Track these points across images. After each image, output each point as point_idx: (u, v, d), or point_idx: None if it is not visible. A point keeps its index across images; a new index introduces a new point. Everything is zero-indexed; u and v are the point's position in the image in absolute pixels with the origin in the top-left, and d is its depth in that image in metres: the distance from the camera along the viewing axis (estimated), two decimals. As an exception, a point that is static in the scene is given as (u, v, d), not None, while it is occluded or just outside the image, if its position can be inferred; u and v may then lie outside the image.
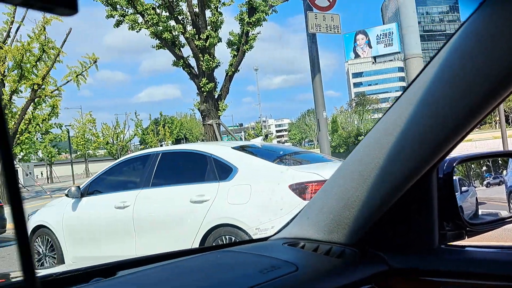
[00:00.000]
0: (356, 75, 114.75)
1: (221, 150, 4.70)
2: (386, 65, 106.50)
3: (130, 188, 5.17)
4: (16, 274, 1.92)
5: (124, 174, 5.66)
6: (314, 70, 10.27)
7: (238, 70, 15.92)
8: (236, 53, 15.65)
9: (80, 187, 5.46)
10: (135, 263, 1.02)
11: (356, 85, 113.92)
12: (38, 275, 1.03)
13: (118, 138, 54.08)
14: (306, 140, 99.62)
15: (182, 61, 15.51)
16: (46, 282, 0.95)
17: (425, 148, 0.76)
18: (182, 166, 5.06)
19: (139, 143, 69.35)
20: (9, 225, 9.79)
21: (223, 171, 4.46)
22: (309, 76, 10.57)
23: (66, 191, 5.52)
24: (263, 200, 4.10)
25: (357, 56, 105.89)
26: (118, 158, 50.24)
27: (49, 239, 5.64)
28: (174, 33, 15.06)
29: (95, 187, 5.47)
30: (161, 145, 56.93)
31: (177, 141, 65.23)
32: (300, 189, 3.97)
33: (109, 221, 5.05)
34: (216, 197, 4.31)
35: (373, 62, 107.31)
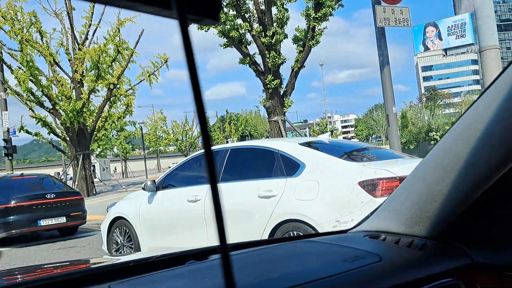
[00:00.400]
0: (425, 68, 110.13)
1: (288, 146, 4.74)
2: (458, 57, 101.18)
3: (201, 182, 5.36)
4: (96, 260, 2.08)
5: (195, 169, 5.87)
6: (383, 64, 10.03)
7: (304, 66, 15.87)
8: (302, 49, 15.60)
9: (155, 181, 5.73)
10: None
11: (426, 79, 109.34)
12: (141, 257, 1.13)
13: (187, 135, 55.77)
14: (373, 136, 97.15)
15: (248, 58, 15.72)
16: (148, 263, 1.05)
17: (510, 144, 0.75)
18: (250, 162, 5.16)
19: (206, 140, 71.05)
20: (89, 217, 10.44)
21: (291, 167, 4.50)
22: (376, 70, 10.33)
23: (142, 185, 5.82)
24: (331, 196, 4.08)
25: (426, 49, 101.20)
26: (187, 154, 51.86)
27: (127, 230, 5.97)
28: (241, 31, 15.28)
29: (169, 182, 5.71)
30: (227, 142, 58.01)
31: (242, 138, 66.14)
32: (370, 186, 3.91)
33: (182, 213, 5.27)
34: (283, 192, 4.36)
35: (444, 55, 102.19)
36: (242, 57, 15.96)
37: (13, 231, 8.74)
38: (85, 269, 1.15)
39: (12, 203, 8.77)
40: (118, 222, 6.12)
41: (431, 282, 0.84)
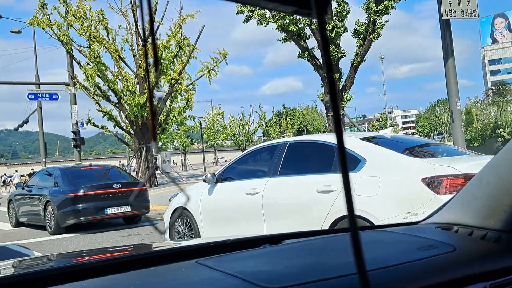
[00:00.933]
0: (493, 62, 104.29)
1: (348, 141, 4.70)
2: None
3: (260, 176, 5.44)
4: (159, 245, 2.19)
5: (253, 163, 5.97)
6: (447, 58, 9.65)
7: (364, 60, 15.57)
8: (362, 43, 15.30)
9: (215, 173, 5.88)
10: (298, 234, 1.14)
11: (493, 73, 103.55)
12: (214, 240, 1.21)
13: (244, 129, 56.40)
14: (435, 132, 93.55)
15: (307, 52, 15.64)
16: (224, 245, 1.12)
17: None
18: (308, 156, 5.17)
19: (262, 135, 71.54)
20: (152, 207, 10.86)
21: (351, 162, 4.45)
22: (439, 64, 10.02)
23: (203, 177, 6.00)
24: (393, 193, 4.01)
25: (494, 41, 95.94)
26: (243, 148, 52.43)
27: (188, 220, 6.18)
28: (300, 25, 15.23)
29: (228, 174, 5.85)
30: (283, 137, 58.02)
31: (299, 133, 65.87)
32: (434, 183, 3.81)
33: (241, 205, 5.38)
34: (342, 188, 4.33)
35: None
36: (300, 51, 15.90)
37: (81, 218, 9.28)
38: (174, 247, 1.24)
39: (81, 192, 9.30)
40: (180, 212, 6.34)
41: (506, 275, 0.84)
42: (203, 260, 1.00)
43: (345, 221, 4.29)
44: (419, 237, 1.00)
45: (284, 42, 16.15)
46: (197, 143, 66.25)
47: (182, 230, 6.29)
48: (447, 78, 9.58)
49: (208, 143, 56.99)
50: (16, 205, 11.35)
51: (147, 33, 20.58)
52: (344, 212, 4.26)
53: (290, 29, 15.03)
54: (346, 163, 0.38)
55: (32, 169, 42.23)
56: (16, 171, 52.36)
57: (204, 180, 5.95)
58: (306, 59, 15.81)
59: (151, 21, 0.42)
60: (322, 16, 0.34)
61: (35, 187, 10.67)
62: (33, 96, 21.58)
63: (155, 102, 0.43)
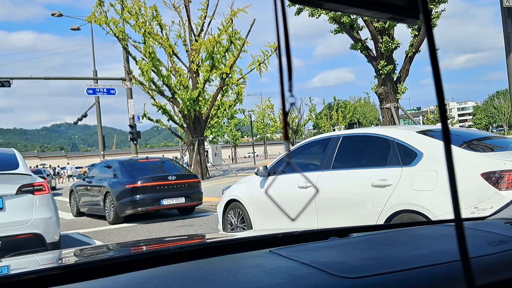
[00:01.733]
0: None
1: (405, 134, 4.59)
2: None
3: (312, 169, 5.43)
4: (212, 236, 2.26)
5: (306, 156, 5.97)
6: (509, 47, 9.17)
7: (419, 51, 15.09)
8: (417, 33, 14.84)
9: (267, 167, 5.93)
10: (364, 228, 1.16)
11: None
12: (283, 232, 1.25)
13: (293, 122, 56.14)
14: (494, 125, 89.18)
15: (360, 44, 15.35)
16: (294, 235, 1.16)
17: None
18: (363, 150, 5.11)
19: (312, 128, 71.01)
20: (204, 198, 11.12)
21: (407, 156, 4.37)
22: (498, 53, 9.49)
23: (255, 170, 6.07)
24: (451, 187, 3.90)
25: None
26: (293, 141, 52.30)
27: (240, 212, 6.29)
28: (352, 17, 14.97)
29: (280, 167, 5.88)
30: (334, 130, 57.36)
31: (350, 126, 64.85)
32: (495, 178, 3.67)
33: (293, 199, 5.39)
34: (399, 182, 4.26)
35: None
36: (353, 42, 15.63)
37: (139, 209, 9.65)
38: (247, 237, 1.29)
39: (139, 183, 9.67)
40: (232, 204, 6.46)
41: None
42: (276, 249, 1.03)
43: (401, 216, 4.22)
44: (489, 232, 0.99)
45: (336, 33, 15.94)
46: (247, 136, 66.78)
47: (234, 222, 6.40)
48: (508, 68, 9.12)
49: (258, 136, 57.31)
50: (77, 196, 11.96)
51: (199, 28, 20.90)
52: (401, 207, 4.19)
53: (342, 20, 14.81)
54: (451, 160, 0.41)
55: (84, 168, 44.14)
56: (68, 163, 55.06)
57: (256, 173, 6.02)
58: (359, 50, 15.53)
59: (286, 35, 0.45)
60: (429, 22, 0.36)
61: (95, 178, 11.19)
62: (91, 91, 22.58)
63: (287, 105, 0.47)
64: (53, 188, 27.15)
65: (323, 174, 5.06)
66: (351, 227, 1.20)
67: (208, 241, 1.55)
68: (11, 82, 20.90)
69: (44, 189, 5.85)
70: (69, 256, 1.81)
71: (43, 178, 11.78)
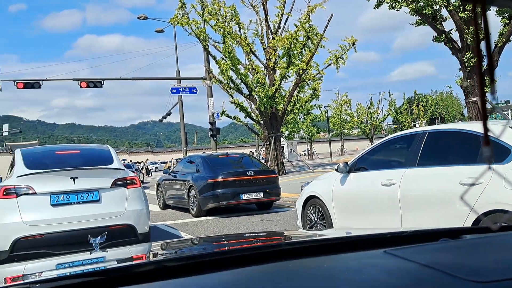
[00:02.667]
0: None
1: (496, 129, 4.35)
2: None
3: (395, 166, 5.31)
4: (291, 233, 2.28)
5: (389, 152, 5.83)
6: None
7: (510, 41, 14.07)
8: (507, 22, 13.84)
9: (348, 163, 5.89)
10: (475, 230, 1.15)
11: None
12: (391, 231, 1.26)
13: (372, 117, 54.76)
14: None
15: (444, 35, 14.63)
16: (401, 236, 1.17)
17: None
18: (451, 146, 4.90)
19: (391, 123, 68.67)
20: (282, 194, 11.23)
21: (499, 152, 4.14)
22: None
23: (336, 167, 6.05)
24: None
25: None
26: (371, 137, 50.85)
27: (320, 208, 6.29)
28: (435, 7, 14.30)
29: (361, 164, 5.81)
30: (415, 125, 55.06)
31: (432, 121, 61.87)
32: None
33: (375, 196, 5.32)
34: (490, 180, 4.05)
35: None
36: (436, 34, 14.93)
37: (220, 203, 9.99)
38: (359, 235, 1.31)
39: (220, 178, 10.00)
40: (312, 201, 6.47)
41: None
42: (392, 250, 1.04)
43: (492, 217, 4.01)
44: None
45: (418, 25, 15.32)
46: (323, 132, 66.09)
47: (314, 219, 6.42)
48: None
49: (334, 132, 56.51)
50: (164, 189, 12.62)
51: (276, 26, 21.06)
52: (492, 206, 3.99)
53: (424, 11, 14.19)
54: None
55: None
56: (147, 159, 57.85)
57: (336, 170, 5.99)
58: (443, 42, 14.81)
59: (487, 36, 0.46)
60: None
61: (179, 173, 11.74)
62: (175, 90, 23.62)
63: (488, 107, 0.50)
64: (142, 182, 28.74)
65: (408, 171, 4.93)
66: (459, 228, 1.18)
67: (312, 239, 1.59)
68: (102, 83, 22.44)
69: (136, 182, 6.26)
70: (156, 249, 1.93)
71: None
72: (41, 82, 21.69)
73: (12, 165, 6.28)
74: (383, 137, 6.51)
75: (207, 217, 10.06)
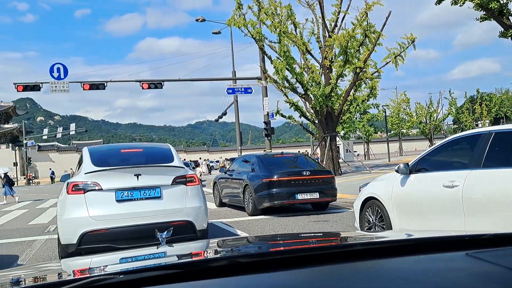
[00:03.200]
0: None
1: None
2: None
3: (459, 167, 5.11)
4: (348, 234, 2.23)
5: (451, 153, 5.62)
6: None
7: None
8: None
9: (409, 164, 5.73)
10: None
11: None
12: (469, 234, 1.22)
13: (432, 117, 52.85)
14: None
15: (511, 30, 13.87)
16: (483, 239, 1.14)
17: None
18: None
19: (452, 123, 65.97)
20: (339, 195, 11.08)
21: None
22: None
23: (396, 167, 5.91)
24: None
25: None
26: (431, 137, 49.04)
27: (378, 210, 6.16)
28: (502, 1, 13.59)
29: (423, 165, 5.63)
30: (477, 125, 52.58)
31: (496, 120, 58.75)
32: None
33: (437, 198, 5.14)
34: None
35: None
36: (503, 29, 14.18)
37: (275, 202, 10.02)
38: (437, 237, 1.29)
39: (275, 178, 10.03)
40: (370, 202, 6.35)
41: None
42: (474, 252, 1.02)
43: None
44: None
45: (483, 21, 14.63)
46: (380, 132, 64.53)
47: (372, 220, 6.30)
48: None
49: (392, 132, 55.04)
50: (220, 188, 12.85)
51: (333, 24, 20.85)
52: None
53: (490, 6, 13.52)
54: None
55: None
56: (200, 158, 59.07)
57: (396, 171, 5.85)
58: (510, 37, 14.04)
59: None
60: None
61: (235, 172, 11.90)
62: (231, 91, 23.98)
63: None
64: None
65: (472, 173, 4.73)
66: None
67: (383, 240, 1.56)
68: (163, 84, 23.18)
69: (195, 180, 6.43)
70: (213, 247, 1.96)
71: None
72: (105, 83, 22.74)
73: (80, 163, 6.63)
74: (443, 137, 6.29)
75: (262, 216, 10.13)
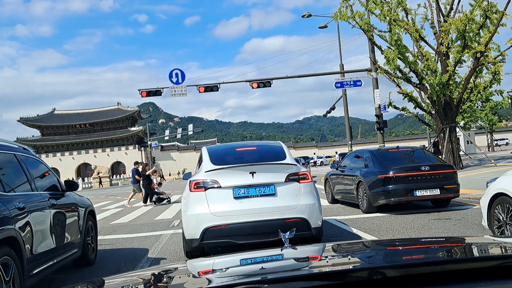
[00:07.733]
0: None
1: None
2: None
3: None
4: (477, 240, 2.02)
5: None
6: None
7: None
8: None
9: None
10: None
11: None
12: None
13: None
14: None
15: None
16: None
17: None
18: None
19: None
20: (461, 190, 10.30)
21: None
22: None
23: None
24: None
25: None
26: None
27: (510, 208, 5.63)
28: None
29: None
30: None
31: None
32: None
33: None
34: None
35: None
36: None
37: (391, 199, 9.63)
38: None
39: (391, 174, 9.65)
40: (500, 199, 5.83)
41: None
42: None
43: None
44: None
45: None
46: (506, 121, 58.76)
47: (503, 219, 5.78)
48: None
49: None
50: (332, 184, 12.72)
51: (448, 7, 19.51)
52: None
53: None
54: None
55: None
56: (314, 153, 58.62)
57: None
58: None
59: None
60: None
61: (347, 167, 11.69)
62: (339, 85, 23.61)
63: None
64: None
65: None
66: None
67: None
68: (271, 82, 23.64)
69: (307, 177, 6.45)
70: (329, 250, 1.91)
71: None
72: (218, 85, 23.84)
73: (200, 161, 7.02)
74: None
75: (378, 214, 9.82)
